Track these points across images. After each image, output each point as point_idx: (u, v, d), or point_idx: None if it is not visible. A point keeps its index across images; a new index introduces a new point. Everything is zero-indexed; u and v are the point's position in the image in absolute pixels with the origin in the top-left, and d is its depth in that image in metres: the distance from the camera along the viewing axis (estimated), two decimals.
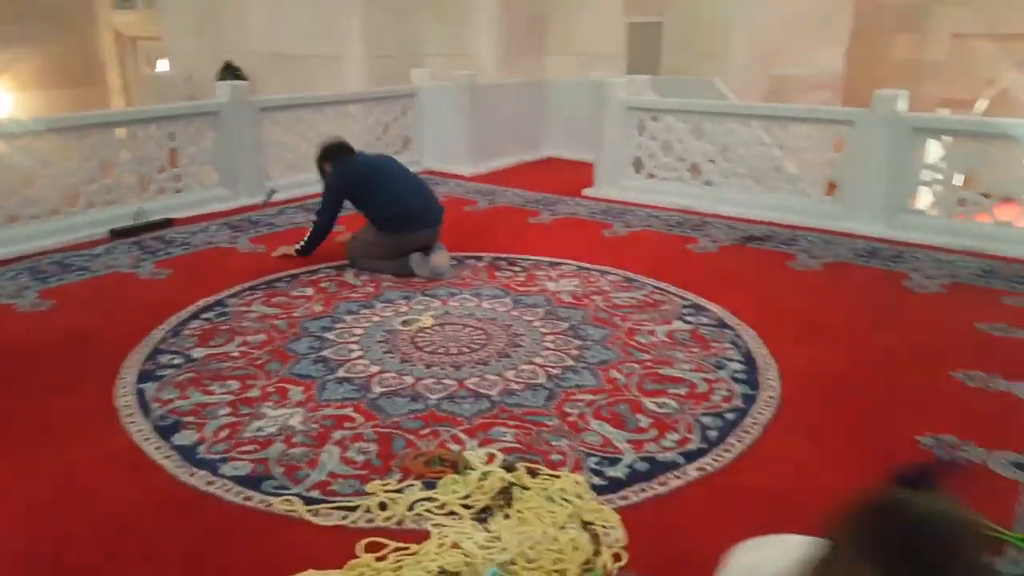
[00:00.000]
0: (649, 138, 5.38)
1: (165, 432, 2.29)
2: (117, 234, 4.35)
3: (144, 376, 2.67)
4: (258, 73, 7.43)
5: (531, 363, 2.75)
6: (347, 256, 3.88)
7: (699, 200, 5.08)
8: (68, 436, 2.28)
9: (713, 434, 2.27)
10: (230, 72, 7.45)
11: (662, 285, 3.59)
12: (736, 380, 2.63)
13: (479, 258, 3.99)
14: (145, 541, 1.81)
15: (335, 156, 3.97)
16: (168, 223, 4.58)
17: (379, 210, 3.80)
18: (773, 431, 2.30)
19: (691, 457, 2.15)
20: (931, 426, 2.29)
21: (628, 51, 7.42)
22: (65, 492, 2.01)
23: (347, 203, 3.90)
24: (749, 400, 2.49)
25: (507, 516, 1.81)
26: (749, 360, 2.79)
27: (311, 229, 3.94)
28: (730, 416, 2.38)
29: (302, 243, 3.95)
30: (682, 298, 3.43)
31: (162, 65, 10.40)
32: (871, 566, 0.78)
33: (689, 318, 3.20)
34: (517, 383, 2.59)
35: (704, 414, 2.39)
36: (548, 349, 2.88)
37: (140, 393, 2.53)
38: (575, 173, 6.13)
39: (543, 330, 3.07)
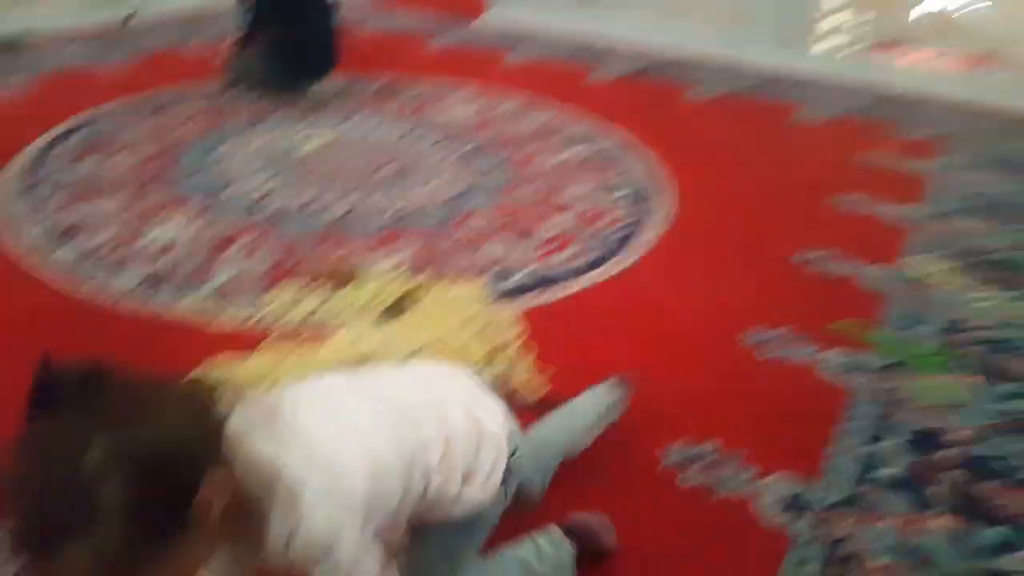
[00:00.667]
0: None
1: (50, 245, 2.21)
2: None
3: (22, 192, 2.52)
4: None
5: (426, 186, 2.76)
6: (231, 71, 3.59)
7: (602, 26, 4.99)
8: None
9: (603, 251, 2.40)
10: None
11: (563, 112, 3.60)
12: (631, 201, 2.75)
13: (370, 84, 3.83)
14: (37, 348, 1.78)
15: None
16: (22, 42, 4.08)
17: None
18: (661, 248, 2.45)
19: (581, 271, 2.28)
20: (807, 245, 2.49)
21: None
22: None
23: None
24: (642, 220, 2.61)
25: (403, 322, 1.89)
26: (645, 184, 2.90)
27: None
28: (620, 235, 2.51)
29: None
30: (582, 125, 3.46)
31: None
32: None
33: (590, 143, 3.25)
34: (412, 205, 2.61)
35: (597, 232, 2.51)
36: (443, 175, 2.88)
37: (19, 210, 2.39)
38: None
39: (438, 156, 3.05)
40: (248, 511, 0.82)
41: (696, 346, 1.96)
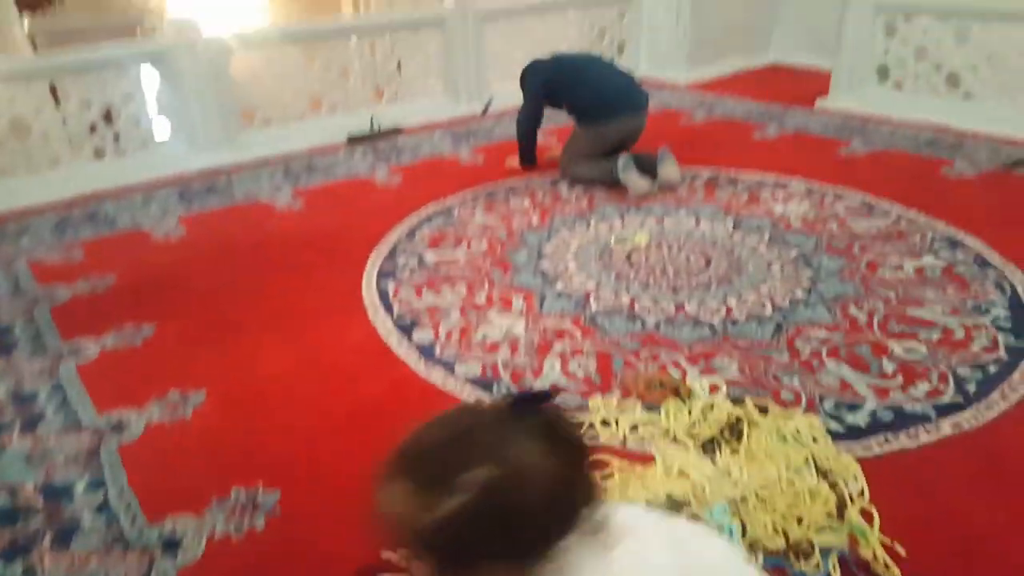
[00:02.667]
0: (899, 42, 4.74)
1: (405, 329, 2.48)
2: (354, 140, 4.66)
3: (383, 274, 2.89)
4: None
5: (756, 291, 2.62)
6: (560, 168, 3.88)
7: (956, 116, 4.44)
8: (321, 326, 2.53)
9: (971, 388, 2.04)
10: None
11: (910, 213, 3.22)
12: (1000, 328, 2.33)
13: (695, 175, 3.81)
14: (396, 426, 1.99)
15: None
16: (398, 131, 4.82)
17: (576, 98, 3.76)
18: None
19: (944, 411, 1.95)
20: None
21: None
22: (324, 375, 2.25)
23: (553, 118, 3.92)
24: (1016, 353, 2.20)
25: (735, 451, 1.77)
26: (1016, 306, 2.45)
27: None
28: (992, 369, 2.12)
29: (520, 155, 4.02)
30: (933, 229, 3.06)
31: None
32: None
33: (943, 253, 2.86)
34: (740, 312, 2.49)
35: (961, 364, 2.15)
36: (774, 278, 2.72)
37: (382, 292, 2.75)
38: (806, 82, 5.60)
39: (768, 257, 2.90)
40: None
41: None
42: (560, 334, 2.41)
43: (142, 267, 3.05)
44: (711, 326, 2.41)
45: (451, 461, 0.82)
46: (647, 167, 3.62)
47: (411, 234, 3.27)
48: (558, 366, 2.22)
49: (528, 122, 3.95)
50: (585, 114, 3.74)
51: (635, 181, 3.57)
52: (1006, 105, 4.34)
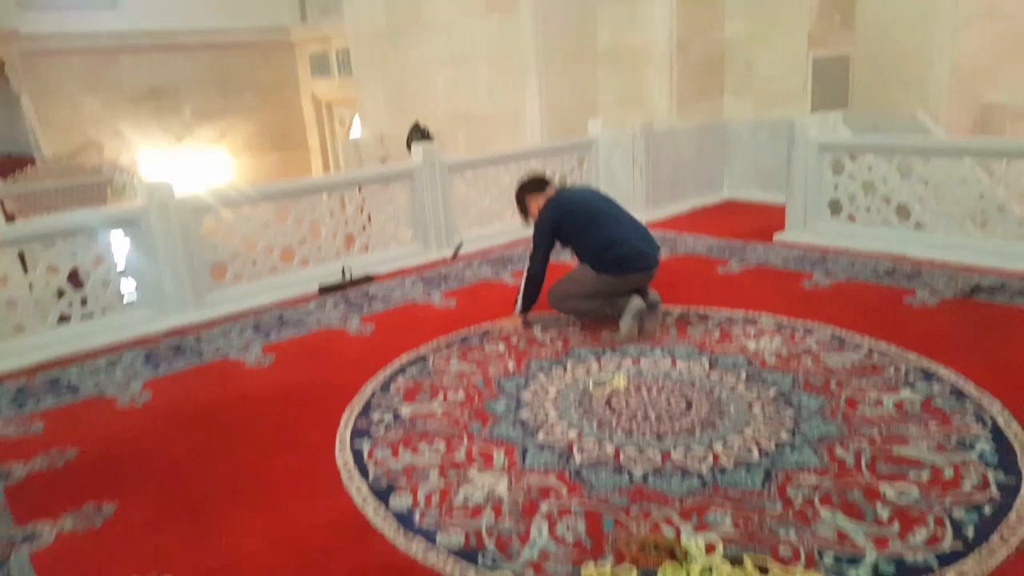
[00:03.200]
0: (847, 178, 5.02)
1: (382, 495, 2.36)
2: (325, 290, 4.68)
3: (358, 432, 2.80)
4: (443, 131, 7.81)
5: (740, 435, 2.58)
6: (551, 298, 3.78)
7: (910, 245, 4.64)
8: (292, 495, 2.41)
9: (969, 532, 1.99)
10: (418, 132, 7.89)
11: (880, 345, 3.27)
12: (987, 464, 2.31)
13: (667, 312, 3.86)
14: None
15: (536, 190, 3.94)
16: (369, 279, 4.87)
17: (586, 248, 3.66)
18: None
19: (946, 560, 1.89)
20: None
21: (813, 87, 7.02)
22: (298, 554, 2.11)
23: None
24: (1008, 491, 2.16)
25: None
26: (999, 438, 2.45)
27: (524, 277, 3.81)
28: (987, 510, 2.08)
29: (519, 299, 3.83)
30: (906, 360, 3.10)
31: (356, 127, 11.26)
32: None
33: (919, 384, 2.88)
34: (727, 458, 2.44)
35: (955, 505, 2.11)
36: (757, 419, 2.70)
37: (356, 452, 2.65)
38: (761, 216, 5.85)
39: (748, 396, 2.89)
40: None
41: None
42: (545, 492, 2.32)
43: (105, 438, 2.92)
44: (700, 476, 2.35)
45: None
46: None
47: (385, 386, 3.21)
48: (546, 530, 2.12)
49: (541, 266, 3.77)
50: (598, 264, 3.62)
51: (630, 327, 3.56)
52: (956, 234, 4.55)
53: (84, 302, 4.09)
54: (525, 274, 3.81)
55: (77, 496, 2.47)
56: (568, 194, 3.91)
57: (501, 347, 3.58)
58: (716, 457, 2.44)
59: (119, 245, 4.24)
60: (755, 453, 2.46)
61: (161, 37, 11.26)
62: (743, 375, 3.07)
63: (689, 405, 2.84)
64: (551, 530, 2.12)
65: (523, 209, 4.01)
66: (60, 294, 4.03)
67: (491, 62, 7.14)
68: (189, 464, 2.67)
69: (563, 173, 6.24)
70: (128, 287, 4.29)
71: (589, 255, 3.68)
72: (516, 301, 3.86)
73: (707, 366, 3.19)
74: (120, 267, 4.22)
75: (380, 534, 2.17)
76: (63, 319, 4.05)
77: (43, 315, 4.00)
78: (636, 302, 3.59)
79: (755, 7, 6.57)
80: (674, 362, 3.26)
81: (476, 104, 7.43)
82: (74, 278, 4.08)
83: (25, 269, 4.01)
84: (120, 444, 2.86)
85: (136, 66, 11.27)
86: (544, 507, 2.23)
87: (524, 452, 2.57)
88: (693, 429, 2.65)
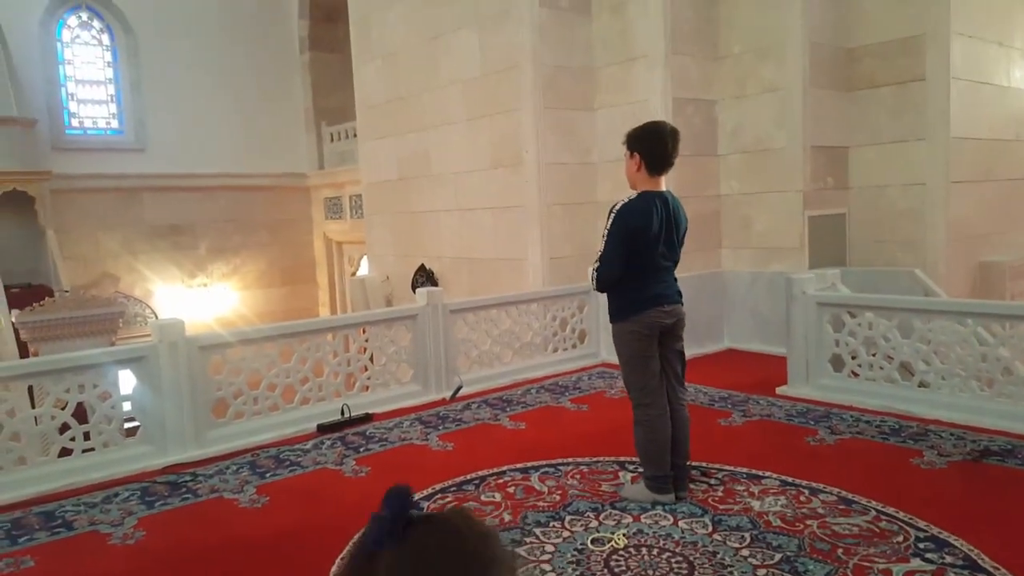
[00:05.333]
0: (848, 335, 5.06)
1: None
2: (323, 429, 4.63)
3: None
4: (447, 274, 8.01)
5: None
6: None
7: (915, 404, 4.59)
8: None
9: None
10: (423, 274, 8.09)
11: (888, 510, 3.17)
12: None
13: None
14: None
15: (647, 155, 3.30)
16: (368, 418, 4.83)
17: (640, 278, 3.32)
18: None
19: None
20: None
21: (810, 243, 7.25)
22: None
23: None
24: None
25: None
26: None
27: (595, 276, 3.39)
28: None
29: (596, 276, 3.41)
30: (916, 527, 2.99)
31: (364, 266, 11.57)
32: None
33: (930, 555, 2.76)
34: None
35: None
36: None
37: None
38: (762, 367, 5.85)
39: (752, 561, 2.77)
40: None
41: None
42: None
43: None
44: None
45: None
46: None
47: None
48: None
49: (611, 272, 3.33)
50: (640, 302, 3.34)
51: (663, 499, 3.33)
52: (962, 394, 4.51)
53: (87, 436, 4.07)
54: (595, 277, 3.40)
55: None
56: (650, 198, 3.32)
57: (498, 496, 3.49)
58: None
59: (125, 381, 4.27)
60: None
61: (183, 180, 11.82)
62: (747, 538, 2.96)
63: (692, 569, 2.72)
64: None
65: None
66: (64, 428, 4.01)
67: (495, 212, 7.44)
68: None
69: (563, 317, 6.32)
70: (130, 423, 4.28)
71: (628, 288, 3.36)
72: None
73: (710, 526, 3.09)
74: (126, 405, 4.21)
75: None
76: (64, 453, 4.02)
77: (45, 448, 3.98)
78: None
79: (749, 169, 6.91)
80: (675, 521, 3.16)
81: (480, 249, 7.67)
82: (79, 412, 4.07)
83: (32, 402, 4.02)
84: None
85: (157, 204, 11.78)
86: None
87: None
88: None
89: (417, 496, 3.48)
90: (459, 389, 5.35)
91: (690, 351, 6.48)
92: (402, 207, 8.73)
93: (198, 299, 12.02)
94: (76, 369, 4.06)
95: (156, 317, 10.89)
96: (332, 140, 12.80)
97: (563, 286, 6.56)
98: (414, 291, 6.32)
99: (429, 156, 8.19)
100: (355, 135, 10.42)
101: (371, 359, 5.31)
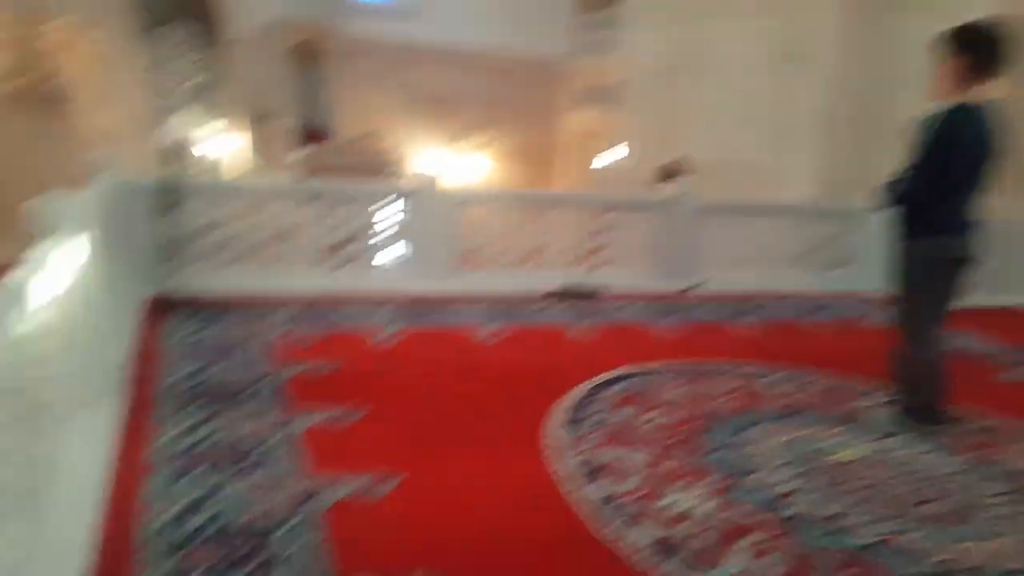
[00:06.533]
0: None
1: (586, 477, 2.42)
2: (555, 295, 4.82)
3: (570, 421, 2.87)
4: (703, 173, 7.71)
5: (988, 542, 2.23)
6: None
7: None
8: (505, 450, 2.59)
9: None
10: (673, 168, 7.86)
11: None
12: None
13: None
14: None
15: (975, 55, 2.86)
16: (598, 294, 4.93)
17: (949, 199, 2.93)
18: None
19: None
20: None
21: None
22: (512, 498, 2.27)
23: None
24: None
25: None
26: None
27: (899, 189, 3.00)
28: None
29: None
30: None
31: (614, 154, 11.57)
32: None
33: None
34: (963, 561, 2.12)
35: None
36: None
37: (568, 437, 2.71)
38: None
39: (999, 506, 2.48)
40: None
41: None
42: (750, 528, 2.18)
43: (360, 363, 3.38)
44: (928, 568, 2.06)
45: None
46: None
47: (600, 389, 3.23)
48: (744, 559, 2.01)
49: (917, 187, 2.93)
50: (937, 226, 2.96)
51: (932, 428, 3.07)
52: None
53: (355, 256, 4.75)
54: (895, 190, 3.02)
55: (335, 399, 2.87)
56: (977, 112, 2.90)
57: (728, 385, 3.42)
58: (948, 558, 2.13)
59: (391, 216, 4.81)
60: (998, 567, 2.11)
61: (450, 56, 12.57)
62: (1002, 489, 2.64)
63: (927, 500, 2.50)
64: (750, 559, 2.01)
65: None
66: (339, 245, 4.69)
67: (768, 114, 6.96)
68: (428, 395, 3.05)
69: (822, 238, 5.87)
70: (391, 252, 4.84)
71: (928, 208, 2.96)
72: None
73: (961, 468, 2.79)
74: (386, 234, 4.79)
75: (573, 511, 2.20)
76: (336, 266, 4.73)
77: (323, 259, 4.73)
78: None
79: None
80: (923, 453, 2.89)
81: (744, 151, 7.27)
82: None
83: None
84: (372, 370, 3.31)
85: (423, 73, 12.69)
86: (748, 539, 2.11)
87: (734, 487, 2.44)
88: (926, 522, 2.33)
89: (641, 366, 3.56)
90: (697, 285, 5.22)
91: (980, 301, 5.70)
92: (664, 100, 8.47)
93: (453, 167, 12.92)
94: (359, 196, 4.77)
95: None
96: (594, 28, 12.83)
97: (829, 204, 6.06)
98: (662, 183, 6.19)
99: (702, 49, 7.79)
100: (617, 24, 10.22)
101: (610, 241, 5.34)
